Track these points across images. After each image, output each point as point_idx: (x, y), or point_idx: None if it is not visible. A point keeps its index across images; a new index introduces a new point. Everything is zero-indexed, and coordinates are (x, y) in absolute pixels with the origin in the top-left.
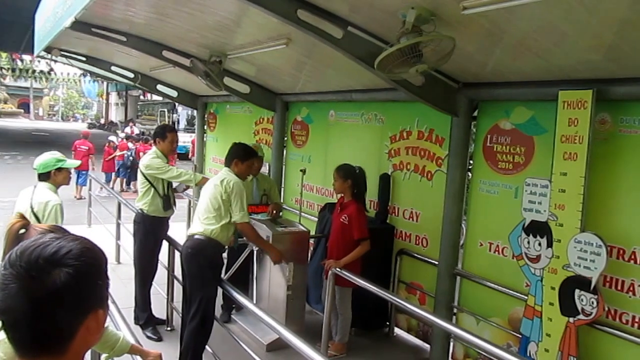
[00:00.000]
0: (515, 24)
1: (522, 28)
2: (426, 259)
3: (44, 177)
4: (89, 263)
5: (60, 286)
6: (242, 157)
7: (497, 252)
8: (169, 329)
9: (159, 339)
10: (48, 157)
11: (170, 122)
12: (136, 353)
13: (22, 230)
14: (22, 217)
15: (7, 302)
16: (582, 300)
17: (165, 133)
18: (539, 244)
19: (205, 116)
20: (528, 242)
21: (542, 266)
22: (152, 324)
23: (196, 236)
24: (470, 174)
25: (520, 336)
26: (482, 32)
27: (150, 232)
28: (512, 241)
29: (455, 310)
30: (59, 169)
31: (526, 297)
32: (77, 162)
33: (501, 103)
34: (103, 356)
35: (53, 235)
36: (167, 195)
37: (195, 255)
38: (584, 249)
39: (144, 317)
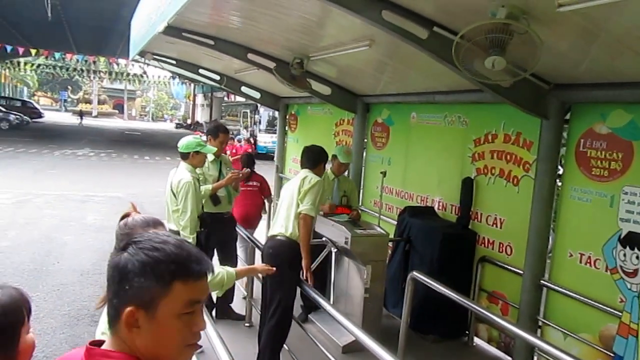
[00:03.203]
0: (615, 21)
1: (623, 25)
2: (510, 267)
3: (184, 156)
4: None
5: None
6: (326, 159)
7: (588, 264)
8: (247, 324)
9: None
10: (191, 140)
11: (252, 123)
12: (244, 275)
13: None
14: (134, 207)
15: None
16: None
17: (217, 132)
18: (637, 257)
19: (287, 117)
20: (624, 255)
21: None
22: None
23: (277, 237)
24: (560, 180)
25: (612, 355)
26: (578, 30)
27: (201, 228)
28: (606, 253)
29: (540, 323)
30: (197, 152)
31: (620, 314)
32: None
33: (597, 105)
34: (214, 293)
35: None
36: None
37: (275, 255)
38: None
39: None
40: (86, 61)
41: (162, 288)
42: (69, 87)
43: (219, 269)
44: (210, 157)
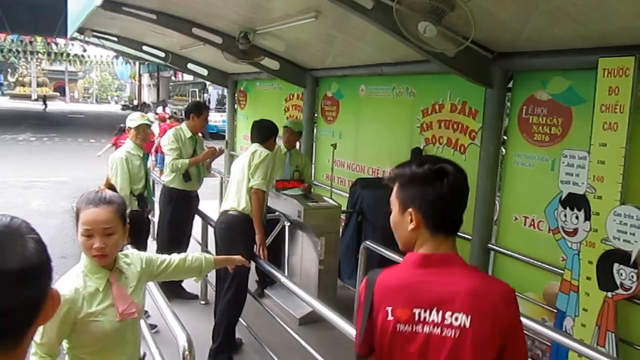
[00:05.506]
0: None
1: None
2: (459, 233)
3: None
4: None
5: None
6: (276, 133)
7: (532, 226)
8: (203, 302)
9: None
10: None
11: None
12: (222, 264)
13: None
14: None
15: None
16: (621, 274)
17: (202, 110)
18: (576, 217)
19: (236, 94)
20: (565, 215)
21: (579, 240)
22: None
23: (229, 212)
24: (504, 147)
25: (555, 311)
26: None
27: (169, 203)
28: (548, 215)
29: None
30: (129, 128)
31: (562, 272)
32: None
33: (537, 73)
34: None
35: None
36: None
37: (229, 230)
38: (623, 221)
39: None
40: (22, 41)
41: None
42: (8, 69)
43: (197, 254)
44: (188, 133)
